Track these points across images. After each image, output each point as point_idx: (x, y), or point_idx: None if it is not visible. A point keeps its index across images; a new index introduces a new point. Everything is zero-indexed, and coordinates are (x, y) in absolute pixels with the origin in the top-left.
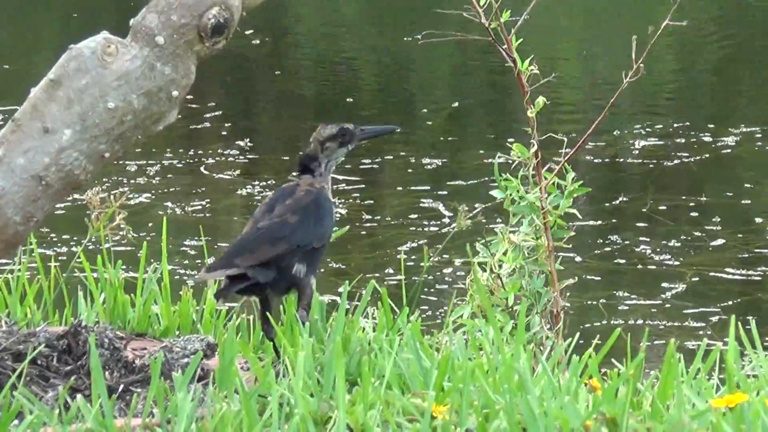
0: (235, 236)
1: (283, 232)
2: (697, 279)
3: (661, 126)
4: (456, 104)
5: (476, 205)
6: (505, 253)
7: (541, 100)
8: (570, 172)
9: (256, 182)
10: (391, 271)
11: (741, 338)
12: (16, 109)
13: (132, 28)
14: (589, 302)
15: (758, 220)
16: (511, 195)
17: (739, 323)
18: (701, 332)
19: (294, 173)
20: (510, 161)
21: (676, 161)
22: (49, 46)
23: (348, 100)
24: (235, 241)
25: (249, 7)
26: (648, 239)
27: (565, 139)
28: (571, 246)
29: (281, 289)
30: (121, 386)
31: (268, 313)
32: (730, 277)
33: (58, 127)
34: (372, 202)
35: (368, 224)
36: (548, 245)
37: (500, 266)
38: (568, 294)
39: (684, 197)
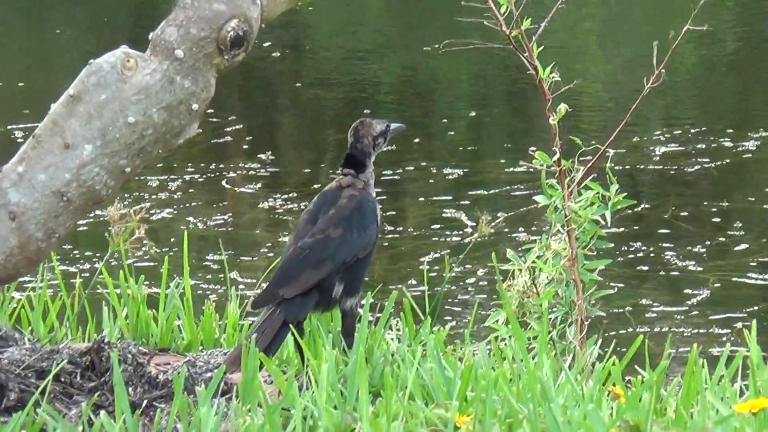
0: (258, 250)
1: (326, 252)
2: (720, 285)
3: (680, 132)
4: (476, 113)
5: (499, 214)
6: (543, 261)
7: (563, 107)
8: (614, 184)
9: (278, 195)
10: (413, 281)
11: (765, 343)
12: (35, 126)
13: (151, 42)
14: (613, 310)
15: None
16: (554, 202)
17: (762, 328)
18: (725, 338)
19: (341, 169)
20: (531, 169)
21: (696, 167)
22: (64, 63)
23: (367, 111)
24: (279, 264)
25: (268, 18)
26: (670, 245)
27: (593, 145)
28: (595, 254)
29: (319, 311)
30: (145, 402)
31: (299, 336)
32: (753, 282)
33: (79, 143)
34: (394, 213)
35: (390, 235)
36: (572, 253)
37: (537, 273)
38: (593, 302)
39: (706, 203)
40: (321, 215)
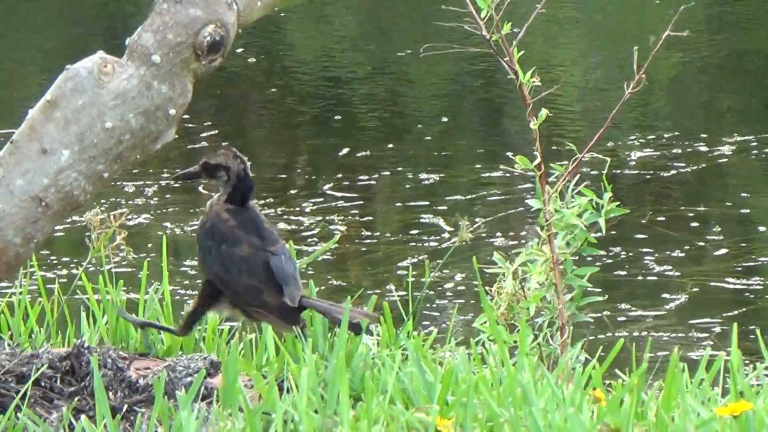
0: None
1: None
2: (698, 289)
3: (654, 137)
4: (450, 118)
5: (476, 219)
6: (532, 265)
7: (544, 111)
8: (608, 191)
9: (255, 200)
10: (391, 286)
11: (744, 347)
12: (11, 133)
13: (128, 48)
14: (591, 314)
15: (761, 228)
16: (546, 209)
17: (742, 332)
18: (704, 342)
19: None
20: (507, 174)
21: (672, 172)
22: (37, 70)
23: (342, 117)
24: (285, 274)
25: (245, 23)
26: (648, 250)
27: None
28: (575, 259)
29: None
30: (125, 406)
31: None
32: (731, 286)
33: (57, 148)
34: (371, 218)
35: (367, 240)
36: (553, 257)
37: (524, 276)
38: (581, 308)
39: (682, 207)
40: (256, 228)
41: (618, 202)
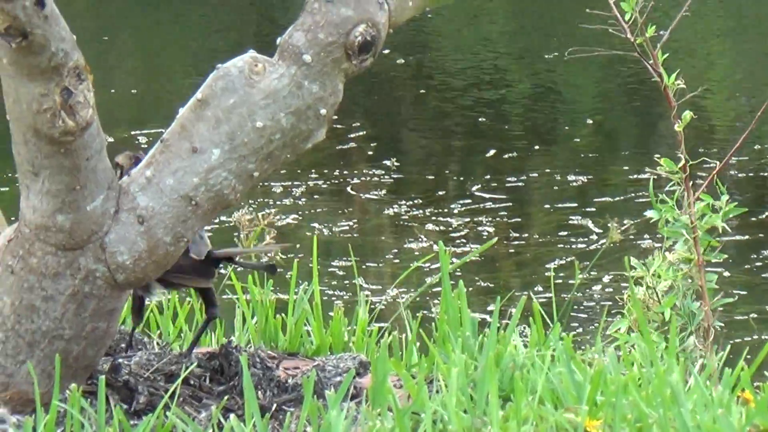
0: (383, 256)
1: None
2: None
3: None
4: (598, 120)
5: (625, 221)
6: (665, 270)
7: (688, 114)
8: (724, 194)
9: (403, 202)
10: (539, 288)
11: None
12: (153, 132)
13: (279, 47)
14: (737, 317)
15: None
16: (665, 216)
17: None
18: None
19: None
20: (656, 176)
21: None
22: (185, 68)
23: (489, 118)
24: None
25: (396, 23)
26: None
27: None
28: (720, 261)
29: None
30: (274, 405)
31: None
32: None
33: (207, 147)
34: (519, 219)
35: (516, 242)
36: (698, 260)
37: (656, 282)
38: (720, 310)
39: None
40: None
41: (735, 203)
